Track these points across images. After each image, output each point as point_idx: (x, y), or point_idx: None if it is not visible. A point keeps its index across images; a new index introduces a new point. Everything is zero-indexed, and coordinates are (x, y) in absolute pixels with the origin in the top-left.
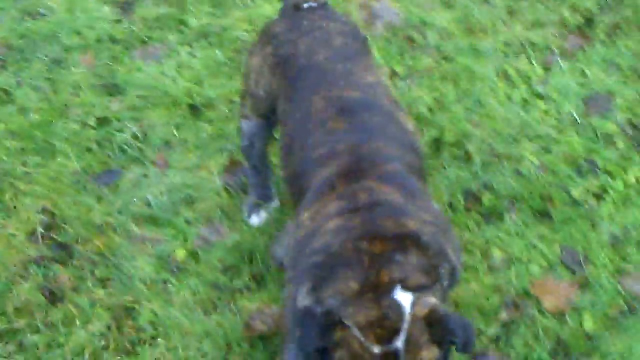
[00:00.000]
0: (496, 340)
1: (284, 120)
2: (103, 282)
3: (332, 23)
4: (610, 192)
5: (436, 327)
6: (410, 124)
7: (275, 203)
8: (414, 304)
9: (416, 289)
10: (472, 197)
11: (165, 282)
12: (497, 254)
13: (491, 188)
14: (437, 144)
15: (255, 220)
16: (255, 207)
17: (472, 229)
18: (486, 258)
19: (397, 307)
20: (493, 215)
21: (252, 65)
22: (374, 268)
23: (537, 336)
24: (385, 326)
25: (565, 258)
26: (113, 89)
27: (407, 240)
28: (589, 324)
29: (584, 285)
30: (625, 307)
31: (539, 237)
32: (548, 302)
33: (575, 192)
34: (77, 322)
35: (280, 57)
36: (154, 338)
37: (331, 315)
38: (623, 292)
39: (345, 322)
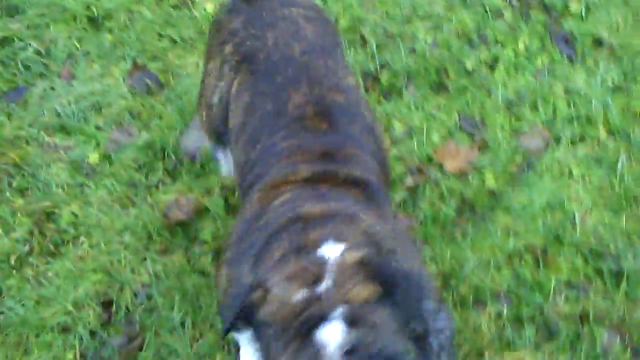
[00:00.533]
0: (404, 204)
1: (246, 115)
2: (21, 192)
3: (294, 9)
4: (502, 60)
5: (370, 267)
6: (385, 141)
7: None
8: (343, 253)
9: (339, 239)
10: (371, 78)
11: (81, 185)
12: (398, 127)
13: (388, 67)
14: None
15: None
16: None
17: (374, 106)
18: (388, 131)
19: (321, 257)
20: (392, 92)
21: (209, 69)
22: (304, 232)
23: (443, 197)
24: (307, 275)
25: (464, 124)
26: (12, 10)
27: (347, 217)
28: (490, 182)
29: (483, 147)
30: (521, 162)
31: (437, 108)
32: (450, 165)
33: (469, 64)
34: (0, 232)
35: (245, 53)
36: (76, 238)
37: (253, 287)
38: (520, 150)
39: (266, 284)
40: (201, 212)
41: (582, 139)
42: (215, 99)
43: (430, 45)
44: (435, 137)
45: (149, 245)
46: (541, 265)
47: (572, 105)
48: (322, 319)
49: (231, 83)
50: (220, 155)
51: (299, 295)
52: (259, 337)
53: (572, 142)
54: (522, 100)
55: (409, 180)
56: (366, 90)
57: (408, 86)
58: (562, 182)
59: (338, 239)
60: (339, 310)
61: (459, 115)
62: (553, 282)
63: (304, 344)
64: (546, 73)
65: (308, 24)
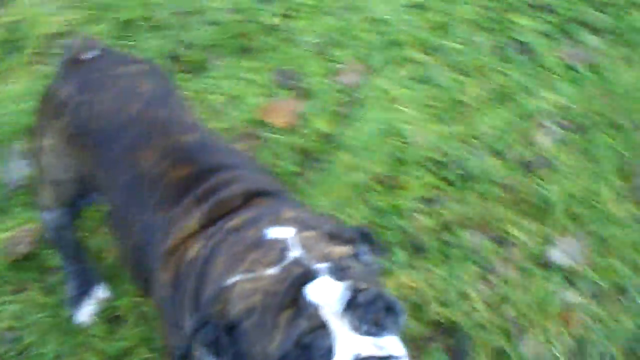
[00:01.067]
0: None
1: (106, 193)
2: None
3: (126, 67)
4: (302, 8)
5: (332, 235)
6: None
7: (101, 289)
8: (299, 231)
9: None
10: (177, 59)
11: None
12: (216, 99)
13: (191, 45)
14: (129, 24)
15: (81, 317)
16: (77, 301)
17: (185, 86)
18: (206, 107)
19: (278, 238)
20: (200, 68)
21: (43, 147)
22: (239, 235)
23: (278, 153)
24: (272, 253)
25: (280, 79)
26: None
27: (272, 215)
28: (322, 126)
29: (306, 95)
30: (346, 100)
31: (250, 71)
32: (278, 122)
33: (268, 20)
34: None
35: (79, 126)
36: None
37: (208, 301)
38: (342, 88)
39: (225, 284)
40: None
41: (397, 62)
42: (65, 176)
43: (225, 12)
44: (256, 100)
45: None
46: (392, 190)
47: (379, 33)
48: (307, 277)
49: (75, 161)
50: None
51: (271, 271)
52: (231, 343)
53: (389, 68)
54: (330, 41)
55: (239, 146)
56: (172, 72)
57: (215, 59)
58: (390, 108)
59: (278, 224)
60: (323, 265)
61: (273, 73)
62: (408, 202)
63: (297, 308)
64: (347, 9)
65: (143, 79)
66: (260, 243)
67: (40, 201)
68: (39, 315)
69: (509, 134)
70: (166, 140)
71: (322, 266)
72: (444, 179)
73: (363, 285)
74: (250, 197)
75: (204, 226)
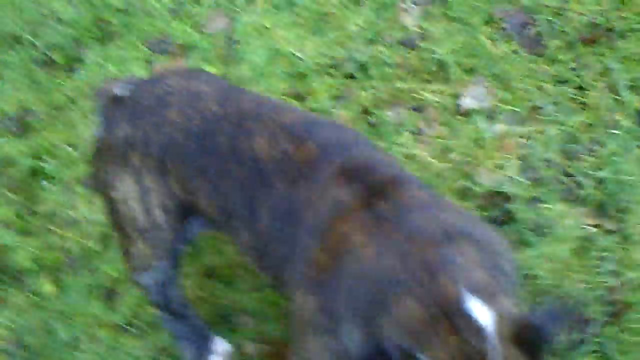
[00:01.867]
0: None
1: (218, 198)
2: None
3: (166, 84)
4: None
5: (529, 344)
6: None
7: (217, 341)
8: (497, 322)
9: (486, 292)
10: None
11: None
12: None
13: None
14: None
15: None
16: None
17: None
18: None
19: (477, 328)
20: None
21: (123, 195)
22: (430, 275)
23: None
24: (471, 356)
25: (155, 49)
26: None
27: (456, 236)
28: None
29: (184, 53)
30: (225, 44)
31: (122, 51)
32: None
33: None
34: None
35: (160, 149)
36: None
37: (402, 349)
38: (213, 35)
39: (421, 358)
40: None
41: None
42: (158, 216)
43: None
44: (141, 72)
45: None
46: (304, 99)
47: None
48: None
49: (167, 188)
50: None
51: None
52: None
53: (251, 5)
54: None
55: None
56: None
57: (83, 52)
58: (268, 36)
59: (473, 288)
60: None
61: (144, 45)
62: (323, 105)
63: None
64: None
65: (195, 80)
66: (461, 323)
67: (132, 265)
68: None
69: (379, 25)
70: (268, 123)
71: None
72: (345, 75)
73: None
74: (398, 183)
75: (360, 207)
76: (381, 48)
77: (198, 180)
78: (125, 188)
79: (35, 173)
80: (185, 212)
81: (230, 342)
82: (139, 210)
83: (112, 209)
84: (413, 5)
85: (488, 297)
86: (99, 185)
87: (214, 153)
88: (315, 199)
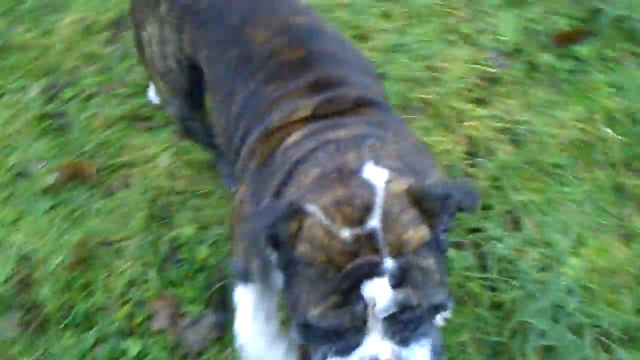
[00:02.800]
0: None
1: (209, 71)
2: None
3: None
4: None
5: (423, 202)
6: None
7: None
8: (389, 181)
9: (388, 167)
10: None
11: None
12: None
13: None
14: None
15: None
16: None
17: None
18: None
19: (368, 183)
20: None
21: (147, 37)
22: (340, 152)
23: None
24: (355, 204)
25: None
26: None
27: (377, 139)
28: None
29: None
30: None
31: None
32: None
33: None
34: None
35: (183, 7)
36: None
37: (291, 205)
38: None
39: (307, 208)
40: None
41: None
42: (171, 63)
43: None
44: None
45: None
46: None
47: None
48: (370, 273)
49: (180, 43)
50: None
51: (346, 232)
52: (287, 271)
53: None
54: None
55: None
56: None
57: None
58: None
59: (377, 162)
60: (390, 264)
61: None
62: None
63: (346, 299)
64: None
65: None
66: (353, 180)
67: (159, 96)
68: None
69: None
70: (277, 20)
71: (389, 265)
72: None
73: (415, 302)
74: (361, 104)
75: (311, 118)
76: None
77: (202, 46)
78: (151, 31)
79: None
80: (194, 68)
81: None
82: (158, 55)
83: (140, 47)
84: None
85: (390, 170)
86: (134, 22)
87: (222, 28)
88: (280, 101)
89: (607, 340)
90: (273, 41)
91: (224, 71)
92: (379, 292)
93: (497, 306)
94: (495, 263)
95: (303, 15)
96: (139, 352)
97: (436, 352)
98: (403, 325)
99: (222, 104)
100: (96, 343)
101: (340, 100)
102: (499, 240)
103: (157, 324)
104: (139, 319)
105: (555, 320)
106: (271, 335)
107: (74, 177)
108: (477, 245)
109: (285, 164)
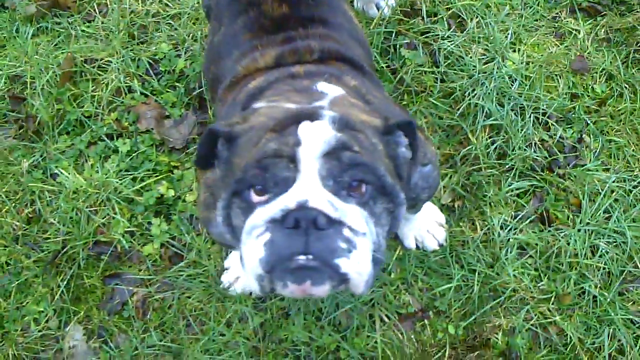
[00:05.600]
0: None
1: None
2: None
3: None
4: None
5: (374, 110)
6: (357, 20)
7: None
8: (344, 95)
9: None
10: None
11: None
12: None
13: None
14: None
15: None
16: None
17: None
18: None
19: (320, 92)
20: None
21: None
22: (295, 80)
23: None
24: (304, 98)
25: None
26: None
27: (333, 76)
28: None
29: None
30: None
31: None
32: None
33: None
34: None
35: None
36: None
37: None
38: None
39: (254, 105)
40: None
41: None
42: None
43: None
44: None
45: None
46: None
47: None
48: (310, 116)
49: None
50: None
51: (290, 105)
52: (225, 159)
53: None
54: None
55: None
56: None
57: None
58: None
59: (331, 83)
60: (332, 115)
61: None
62: None
63: (280, 134)
64: None
65: None
66: (305, 90)
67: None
68: None
69: None
70: None
71: (330, 113)
72: None
73: (356, 149)
74: (329, 57)
75: (273, 66)
76: None
77: None
78: None
79: None
80: None
81: None
82: None
83: None
84: None
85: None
86: None
87: None
88: (248, 53)
89: (545, 119)
90: (277, 5)
91: (220, 5)
92: (315, 130)
93: (448, 95)
94: (444, 59)
95: None
96: (129, 150)
97: (377, 262)
98: (341, 167)
99: (213, 25)
100: (89, 144)
101: (305, 50)
102: (447, 39)
103: (144, 124)
104: (126, 123)
105: (500, 104)
106: None
107: (53, 6)
108: (428, 44)
109: (244, 96)
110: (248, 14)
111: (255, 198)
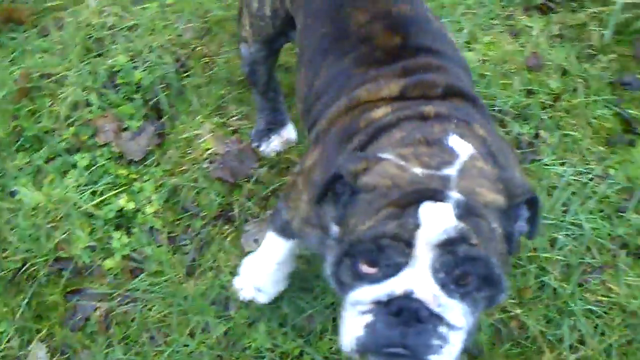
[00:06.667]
0: None
1: (302, 36)
2: None
3: None
4: None
5: (507, 184)
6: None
7: (288, 129)
8: (473, 156)
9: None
10: None
11: None
12: None
13: None
14: None
15: (265, 148)
16: (265, 134)
17: None
18: None
19: (451, 149)
20: None
21: None
22: (426, 123)
23: None
24: (434, 155)
25: None
26: None
27: (463, 122)
28: None
29: None
30: None
31: None
32: None
33: None
34: None
35: None
36: None
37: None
38: None
39: (381, 155)
40: None
41: None
42: (267, 11)
43: None
44: None
45: None
46: None
47: None
48: (433, 196)
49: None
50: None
51: (418, 170)
52: (343, 202)
53: None
54: None
55: None
56: None
57: None
58: None
59: (462, 137)
60: (456, 197)
61: None
62: None
63: (401, 212)
64: None
65: None
66: (436, 144)
67: (240, 33)
68: None
69: None
70: (379, 5)
71: (455, 196)
72: None
73: (474, 241)
74: (451, 93)
75: (398, 98)
76: None
77: (300, 9)
78: None
79: None
80: (287, 21)
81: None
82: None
83: None
84: None
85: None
86: None
87: (320, 2)
88: (367, 82)
89: (502, 116)
90: (371, 25)
91: (315, 43)
92: (437, 215)
93: None
94: None
95: (407, 5)
96: (88, 164)
97: (470, 333)
98: (455, 262)
99: (307, 73)
100: (48, 160)
101: (429, 84)
102: None
103: (102, 137)
104: (85, 137)
105: None
106: (272, 276)
107: (8, 21)
108: None
109: (369, 128)
110: (359, 49)
111: (364, 269)
